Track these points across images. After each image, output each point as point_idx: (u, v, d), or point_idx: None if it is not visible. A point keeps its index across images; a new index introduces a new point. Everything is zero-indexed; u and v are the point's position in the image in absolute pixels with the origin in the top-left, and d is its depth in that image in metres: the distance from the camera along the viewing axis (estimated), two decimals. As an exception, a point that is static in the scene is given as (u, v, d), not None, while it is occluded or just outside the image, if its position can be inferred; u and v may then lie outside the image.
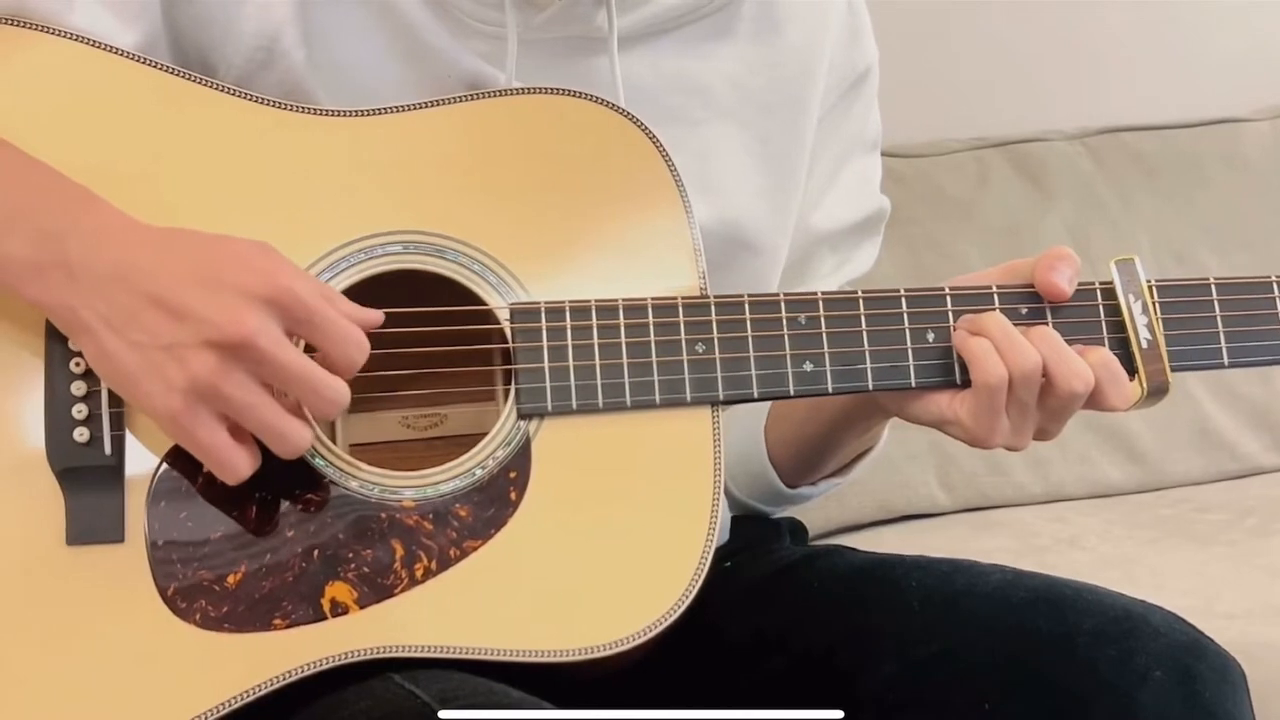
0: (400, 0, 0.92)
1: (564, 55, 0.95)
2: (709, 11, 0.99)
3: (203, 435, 0.78)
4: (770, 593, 1.01)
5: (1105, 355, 0.89)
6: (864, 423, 1.01)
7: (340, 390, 0.79)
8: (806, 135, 1.04)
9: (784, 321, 0.88)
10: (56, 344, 0.82)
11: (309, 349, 0.81)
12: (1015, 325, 0.88)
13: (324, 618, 0.81)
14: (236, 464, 0.79)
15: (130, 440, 0.82)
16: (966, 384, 0.89)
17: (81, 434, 0.82)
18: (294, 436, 0.79)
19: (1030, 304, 0.90)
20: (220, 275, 0.78)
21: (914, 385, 0.89)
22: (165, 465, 0.82)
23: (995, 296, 0.90)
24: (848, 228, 1.09)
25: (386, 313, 0.83)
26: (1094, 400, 0.88)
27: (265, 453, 0.80)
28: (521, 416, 0.85)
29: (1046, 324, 0.90)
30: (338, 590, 0.82)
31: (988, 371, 0.86)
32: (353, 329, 0.80)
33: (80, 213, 0.81)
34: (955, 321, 0.90)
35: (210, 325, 0.77)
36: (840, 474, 1.09)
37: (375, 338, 0.82)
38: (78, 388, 0.82)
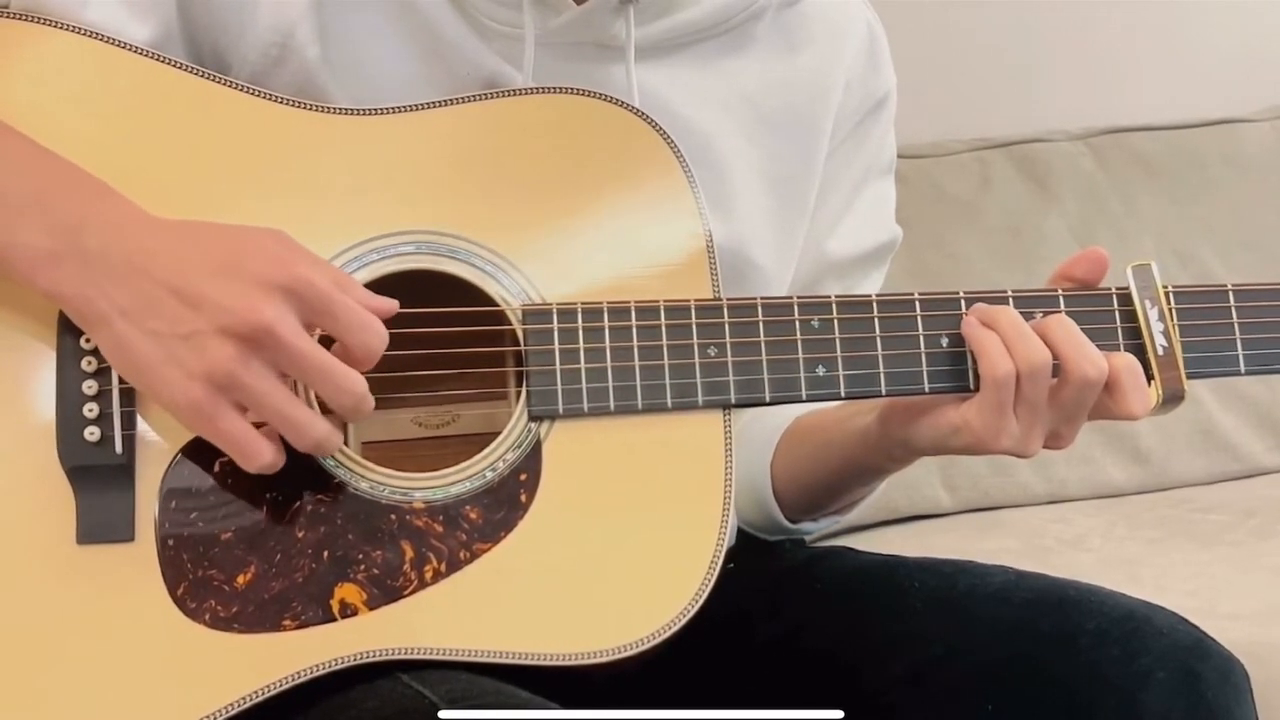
0: None
1: (581, 61, 0.95)
2: (726, 29, 0.99)
3: (224, 423, 0.78)
4: (774, 593, 1.01)
5: (1130, 359, 0.88)
6: (872, 468, 1.00)
7: (357, 382, 0.79)
8: (817, 158, 1.04)
9: (797, 325, 0.88)
10: (68, 341, 0.82)
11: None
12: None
13: (333, 619, 0.81)
14: (259, 451, 0.79)
15: (141, 439, 0.82)
16: (979, 389, 0.87)
17: (92, 433, 0.81)
18: (310, 428, 0.79)
19: (1046, 308, 0.89)
20: (238, 264, 0.78)
21: (927, 390, 0.89)
22: (176, 464, 0.82)
23: (1011, 300, 0.89)
24: (861, 255, 1.09)
25: (399, 313, 0.82)
26: (1115, 405, 0.87)
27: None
28: (533, 418, 0.85)
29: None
30: (347, 591, 0.82)
31: (995, 365, 0.86)
32: (370, 318, 0.80)
33: (96, 204, 0.81)
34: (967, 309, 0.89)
35: (227, 313, 0.77)
36: (840, 512, 1.09)
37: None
38: (89, 386, 0.82)
